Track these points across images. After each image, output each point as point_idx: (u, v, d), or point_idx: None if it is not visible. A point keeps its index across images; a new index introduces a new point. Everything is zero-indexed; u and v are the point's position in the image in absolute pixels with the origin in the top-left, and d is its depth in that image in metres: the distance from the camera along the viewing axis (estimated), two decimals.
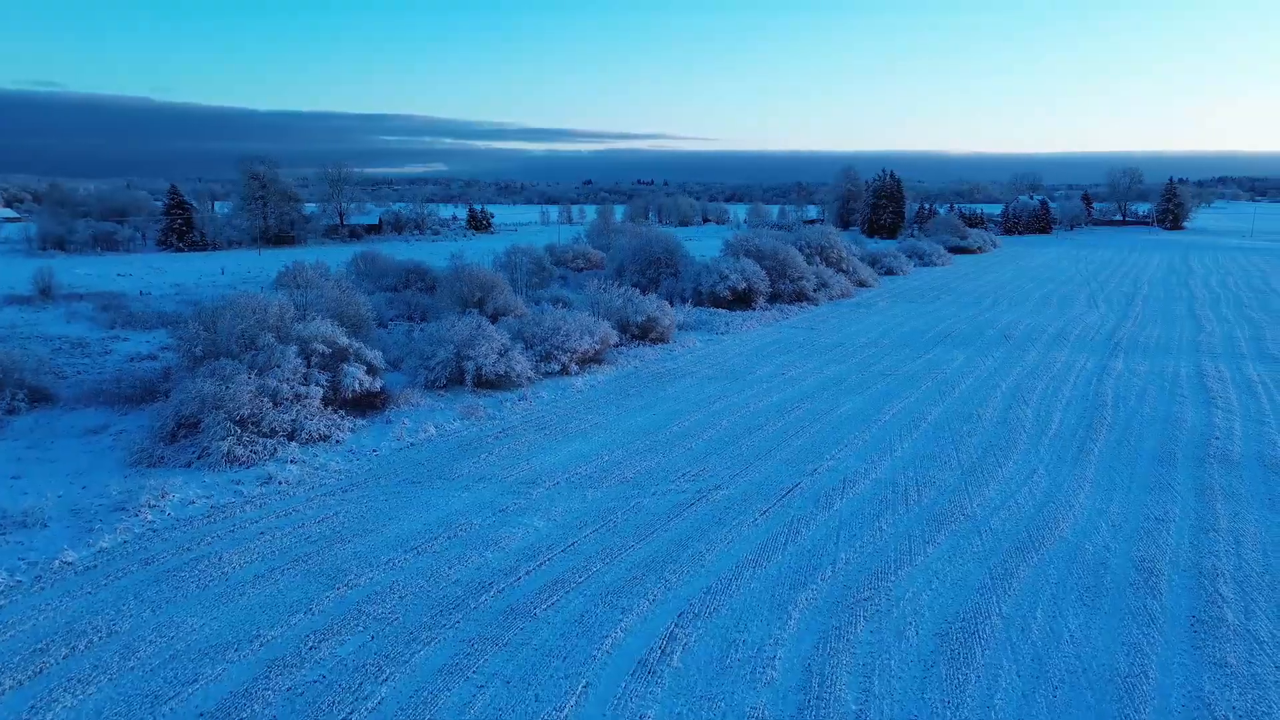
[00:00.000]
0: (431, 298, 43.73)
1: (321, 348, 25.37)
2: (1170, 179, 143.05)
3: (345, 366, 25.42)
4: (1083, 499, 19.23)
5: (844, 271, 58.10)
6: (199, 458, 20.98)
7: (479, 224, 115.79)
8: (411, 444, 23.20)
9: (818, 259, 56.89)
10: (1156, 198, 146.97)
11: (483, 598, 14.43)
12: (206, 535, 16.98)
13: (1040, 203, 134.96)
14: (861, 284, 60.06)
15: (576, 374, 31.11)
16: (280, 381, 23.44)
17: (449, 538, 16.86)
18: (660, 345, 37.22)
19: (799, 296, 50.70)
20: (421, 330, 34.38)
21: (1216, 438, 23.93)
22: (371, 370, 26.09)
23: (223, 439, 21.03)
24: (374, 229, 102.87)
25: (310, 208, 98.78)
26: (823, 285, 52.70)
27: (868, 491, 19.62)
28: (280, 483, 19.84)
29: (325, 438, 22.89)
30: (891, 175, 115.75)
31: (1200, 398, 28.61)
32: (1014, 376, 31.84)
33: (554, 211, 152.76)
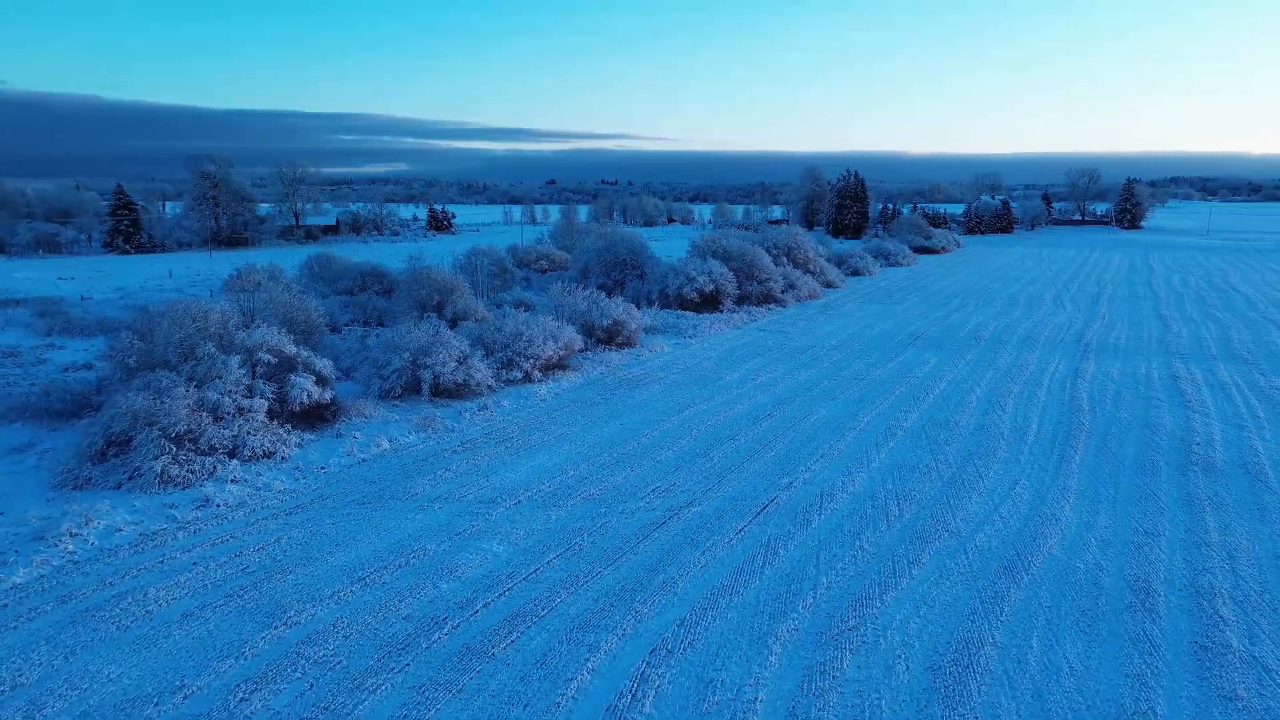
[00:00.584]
0: (389, 301, 42.21)
1: (267, 357, 23.88)
2: (1128, 179, 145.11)
3: (293, 377, 23.96)
4: (1068, 512, 18.44)
5: (811, 272, 57.43)
6: (130, 479, 19.43)
7: (440, 224, 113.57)
8: (363, 460, 21.81)
9: (785, 260, 56.16)
10: (1114, 197, 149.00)
11: (436, 635, 13.19)
12: (132, 567, 15.52)
13: (1002, 203, 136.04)
14: (829, 285, 59.45)
15: (540, 381, 29.88)
16: (221, 394, 21.93)
17: (400, 566, 15.57)
18: (627, 350, 36.10)
19: (766, 298, 49.88)
20: (377, 336, 32.93)
21: (1197, 444, 23.36)
22: (321, 380, 24.64)
23: (156, 458, 19.51)
24: (331, 230, 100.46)
25: (265, 208, 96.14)
26: (790, 287, 51.95)
27: (846, 506, 18.66)
28: (218, 505, 18.39)
29: (269, 454, 21.42)
30: (855, 175, 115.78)
31: (1176, 401, 28.14)
32: (988, 380, 31.20)
33: (517, 211, 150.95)
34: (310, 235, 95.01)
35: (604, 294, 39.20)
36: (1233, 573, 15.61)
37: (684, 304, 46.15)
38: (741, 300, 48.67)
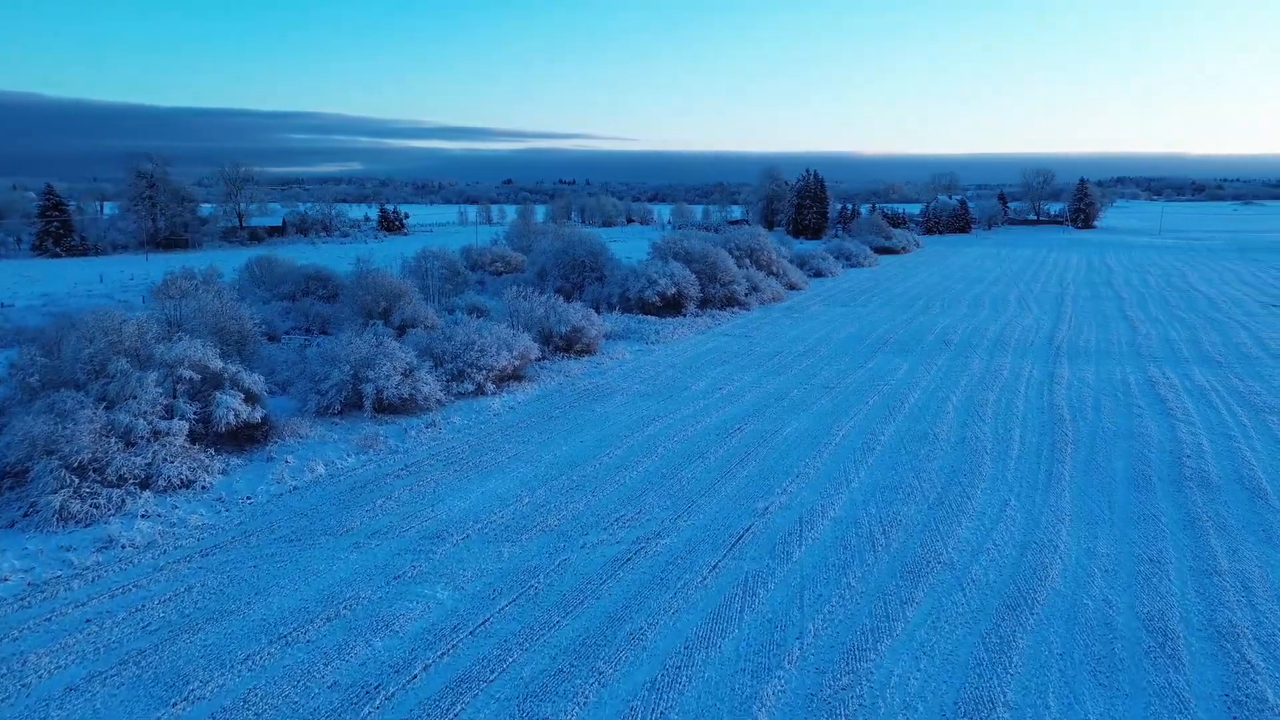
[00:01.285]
0: (333, 307, 39.86)
1: (190, 373, 21.64)
2: (1081, 179, 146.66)
3: (219, 395, 21.75)
4: (1065, 537, 17.06)
5: (774, 274, 56.10)
6: (25, 515, 17.17)
7: (391, 225, 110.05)
8: (295, 488, 19.71)
9: (748, 262, 54.74)
10: (1068, 197, 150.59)
11: (366, 710, 11.28)
12: (14, 627, 13.34)
13: (959, 202, 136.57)
14: (792, 287, 58.18)
15: (493, 394, 27.92)
16: (135, 416, 19.68)
17: (329, 619, 13.60)
18: (587, 358, 34.27)
19: (730, 301, 48.37)
20: (318, 346, 30.71)
21: (1187, 455, 22.22)
22: (251, 398, 22.45)
23: (54, 491, 17.26)
24: (277, 231, 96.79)
25: (207, 209, 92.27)
26: (754, 289, 50.51)
27: (829, 534, 17.07)
28: (123, 546, 16.22)
29: (188, 483, 19.24)
30: (815, 175, 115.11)
31: (1157, 409, 27.10)
32: (963, 387, 29.95)
33: (473, 211, 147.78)
34: (255, 237, 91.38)
35: (562, 298, 37.40)
36: (1251, 607, 14.29)
37: (645, 308, 44.44)
38: (704, 303, 47.10)
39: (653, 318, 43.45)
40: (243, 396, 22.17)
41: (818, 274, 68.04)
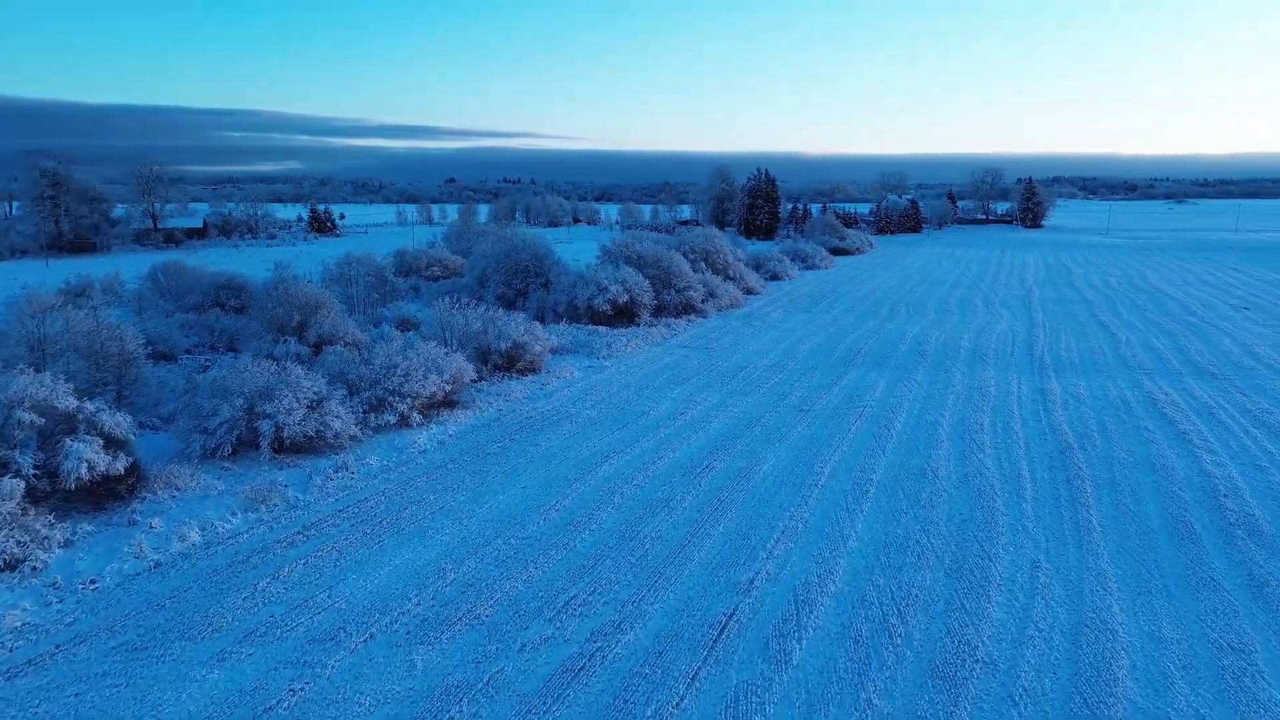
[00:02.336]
0: (244, 321, 35.36)
1: (30, 417, 17.33)
2: (1029, 178, 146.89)
3: (70, 442, 17.48)
4: (1120, 615, 13.85)
5: (731, 279, 52.85)
6: None
7: (323, 226, 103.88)
8: (157, 564, 15.61)
9: (703, 265, 51.38)
10: (1014, 197, 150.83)
11: None
12: None
13: (910, 202, 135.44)
14: (749, 291, 54.99)
15: (420, 426, 23.97)
16: None
17: None
18: (530, 377, 30.46)
19: (686, 308, 44.91)
20: (218, 369, 26.37)
21: (1224, 495, 19.30)
22: (113, 444, 18.19)
23: None
24: (197, 233, 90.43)
25: (121, 209, 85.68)
26: (711, 295, 47.14)
27: (833, 622, 13.60)
28: None
29: (14, 564, 15.02)
30: (766, 175, 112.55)
31: (1169, 433, 24.29)
32: (951, 408, 26.88)
33: (412, 211, 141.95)
34: (171, 240, 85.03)
35: (503, 307, 33.60)
36: None
37: (596, 317, 40.71)
38: (659, 311, 43.55)
39: (604, 328, 39.77)
40: (102, 442, 17.92)
41: (774, 277, 65.06)
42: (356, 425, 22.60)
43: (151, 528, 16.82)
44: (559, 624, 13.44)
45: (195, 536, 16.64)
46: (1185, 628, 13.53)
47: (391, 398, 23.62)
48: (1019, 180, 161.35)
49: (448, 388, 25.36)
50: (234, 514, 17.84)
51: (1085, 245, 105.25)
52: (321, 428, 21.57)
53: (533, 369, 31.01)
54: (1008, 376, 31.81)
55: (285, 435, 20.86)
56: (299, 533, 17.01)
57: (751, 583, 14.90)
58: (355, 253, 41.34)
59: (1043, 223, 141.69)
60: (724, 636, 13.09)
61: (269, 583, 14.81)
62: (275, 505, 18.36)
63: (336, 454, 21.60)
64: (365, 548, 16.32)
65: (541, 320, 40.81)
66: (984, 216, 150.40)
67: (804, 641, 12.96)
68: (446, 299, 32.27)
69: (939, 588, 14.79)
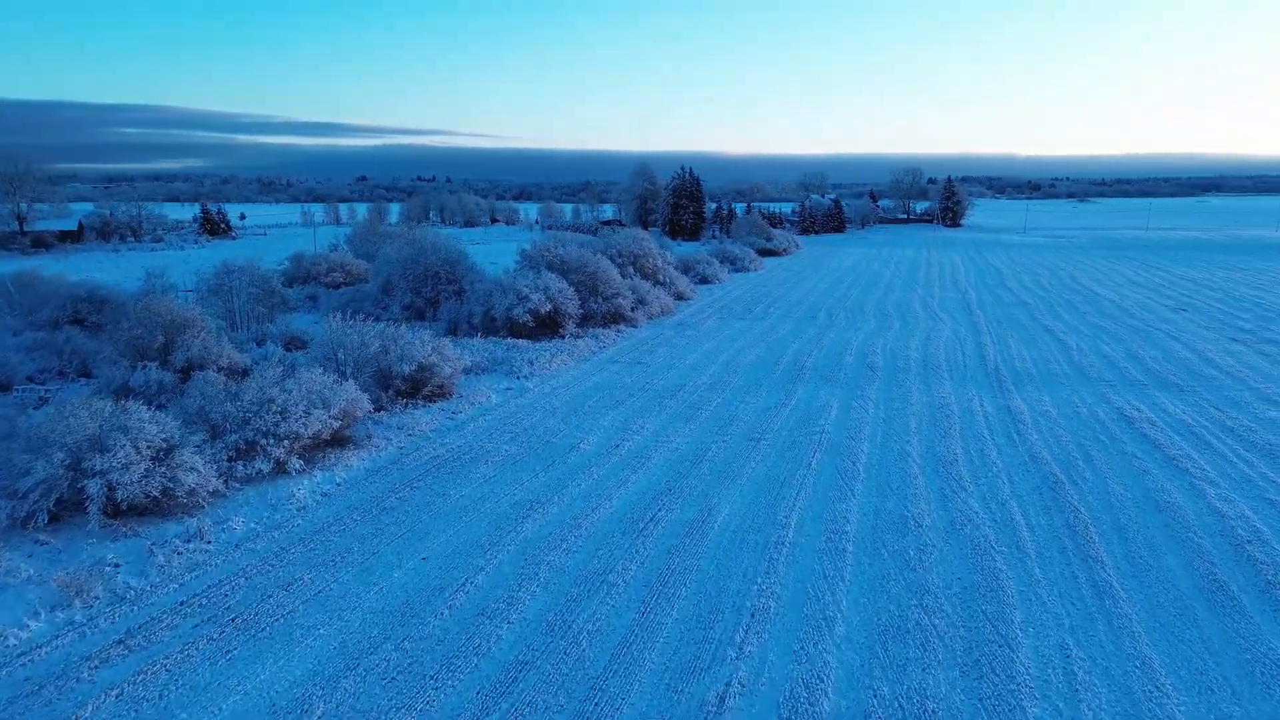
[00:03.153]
0: (101, 341, 30.31)
1: None
2: (949, 178, 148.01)
3: None
4: None
5: (661, 283, 49.55)
6: None
7: (216, 227, 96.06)
8: None
9: (631, 270, 47.96)
10: (934, 196, 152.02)
11: None
12: None
13: (833, 202, 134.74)
14: (680, 297, 51.78)
15: (301, 473, 19.82)
16: None
17: None
18: (440, 404, 26.47)
19: (615, 317, 41.36)
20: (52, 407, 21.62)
21: (1247, 541, 16.74)
22: None
23: None
24: (71, 236, 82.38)
25: None
26: (641, 302, 43.70)
27: None
28: None
29: None
30: (691, 174, 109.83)
31: (1159, 459, 21.86)
32: (916, 434, 24.03)
33: (319, 211, 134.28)
34: (40, 243, 77.02)
35: (412, 318, 29.49)
36: None
37: (516, 330, 36.81)
38: (585, 321, 39.89)
39: (524, 342, 35.91)
40: None
41: (704, 280, 62.09)
42: (219, 477, 18.35)
43: None
44: None
45: None
46: None
47: (264, 440, 19.40)
48: (931, 180, 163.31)
49: (336, 424, 21.23)
50: (38, 613, 13.53)
51: (1007, 245, 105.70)
52: (171, 484, 17.27)
53: (442, 394, 27.02)
54: (967, 392, 29.25)
55: (121, 497, 16.52)
56: (120, 641, 12.84)
57: (722, 700, 11.45)
58: (237, 260, 36.33)
59: (962, 222, 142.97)
60: None
61: None
62: (96, 598, 14.09)
63: (191, 516, 17.35)
64: (209, 663, 12.27)
65: (455, 333, 36.77)
66: (905, 216, 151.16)
67: None
68: (336, 315, 27.92)
69: (957, 696, 11.60)
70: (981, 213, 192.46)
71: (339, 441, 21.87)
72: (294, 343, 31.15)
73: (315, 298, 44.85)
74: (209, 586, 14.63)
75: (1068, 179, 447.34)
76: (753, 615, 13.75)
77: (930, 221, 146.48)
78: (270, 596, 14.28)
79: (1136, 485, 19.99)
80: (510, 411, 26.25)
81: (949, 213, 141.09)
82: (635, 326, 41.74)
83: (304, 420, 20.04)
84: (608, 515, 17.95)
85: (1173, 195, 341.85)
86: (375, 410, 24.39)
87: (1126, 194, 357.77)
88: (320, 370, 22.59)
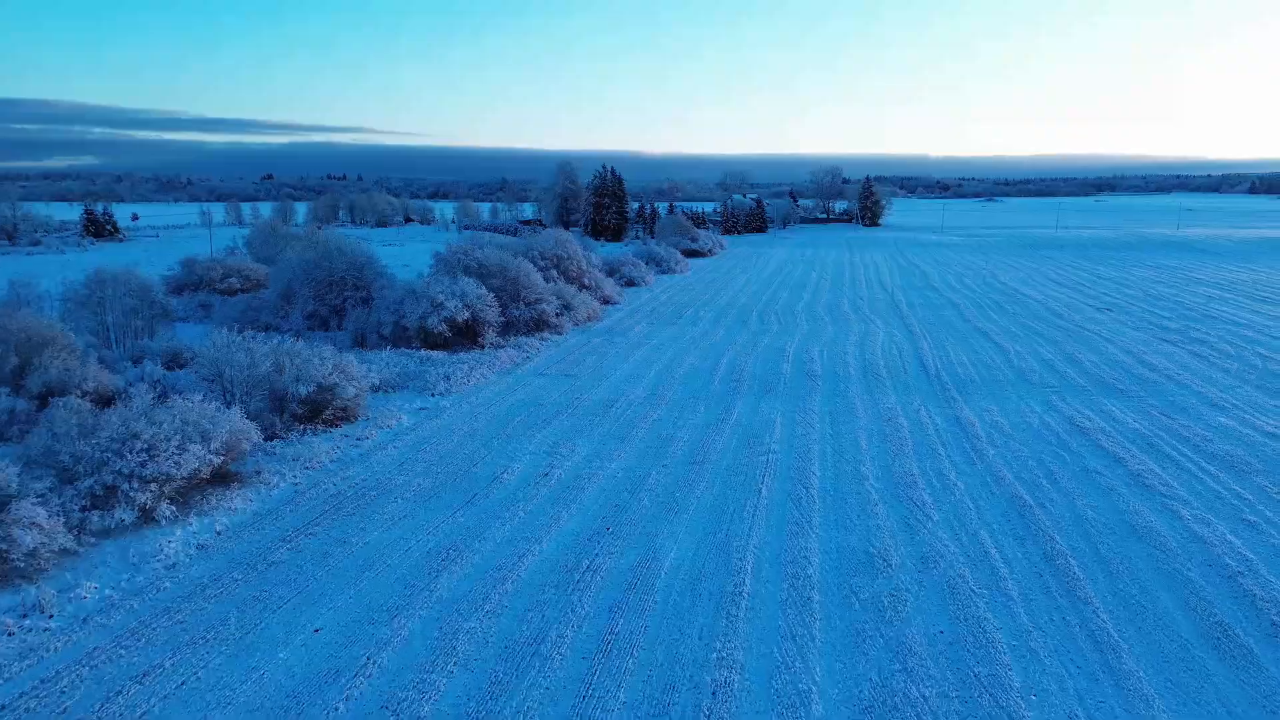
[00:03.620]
0: None
1: None
2: (867, 178, 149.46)
3: None
4: None
5: (587, 287, 47.24)
6: None
7: (102, 229, 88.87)
8: None
9: (555, 273, 45.48)
10: (851, 195, 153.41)
11: None
12: None
13: (755, 201, 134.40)
14: (607, 301, 49.52)
15: (174, 521, 16.85)
16: None
17: None
18: (343, 428, 23.63)
19: (539, 324, 38.85)
20: None
21: (1240, 574, 15.41)
22: None
23: None
24: None
25: None
26: (567, 308, 41.28)
27: None
28: None
29: None
30: (613, 173, 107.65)
31: (1123, 476, 20.63)
32: (869, 453, 22.35)
33: (220, 211, 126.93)
34: None
35: (315, 327, 26.47)
36: None
37: (430, 340, 33.97)
38: (507, 330, 37.26)
39: (440, 353, 33.12)
40: None
41: (630, 283, 59.96)
42: (69, 531, 15.31)
43: None
44: None
45: None
46: None
47: (126, 484, 16.38)
48: (846, 180, 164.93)
49: (218, 460, 18.28)
50: None
51: (926, 244, 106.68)
52: (4, 545, 14.19)
53: (346, 417, 24.18)
54: (912, 401, 27.84)
55: None
56: None
57: None
58: (114, 267, 32.44)
59: (880, 221, 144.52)
60: None
61: None
62: None
63: (31, 583, 14.30)
64: None
65: (362, 345, 33.75)
66: (825, 215, 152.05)
67: None
68: (235, 325, 24.78)
69: None
70: (899, 212, 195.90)
71: (222, 479, 18.90)
72: (177, 360, 27.74)
73: (209, 306, 41.02)
74: (40, 682, 11.73)
75: (975, 179, 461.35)
76: (714, 693, 11.61)
77: (849, 221, 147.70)
78: (119, 693, 11.48)
79: (1106, 506, 18.63)
80: (424, 435, 23.58)
81: (868, 212, 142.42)
82: (561, 334, 39.31)
83: (177, 458, 17.06)
84: (537, 564, 15.59)
85: (1070, 195, 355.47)
86: (267, 439, 21.44)
87: (1028, 193, 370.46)
88: (201, 395, 19.57)
